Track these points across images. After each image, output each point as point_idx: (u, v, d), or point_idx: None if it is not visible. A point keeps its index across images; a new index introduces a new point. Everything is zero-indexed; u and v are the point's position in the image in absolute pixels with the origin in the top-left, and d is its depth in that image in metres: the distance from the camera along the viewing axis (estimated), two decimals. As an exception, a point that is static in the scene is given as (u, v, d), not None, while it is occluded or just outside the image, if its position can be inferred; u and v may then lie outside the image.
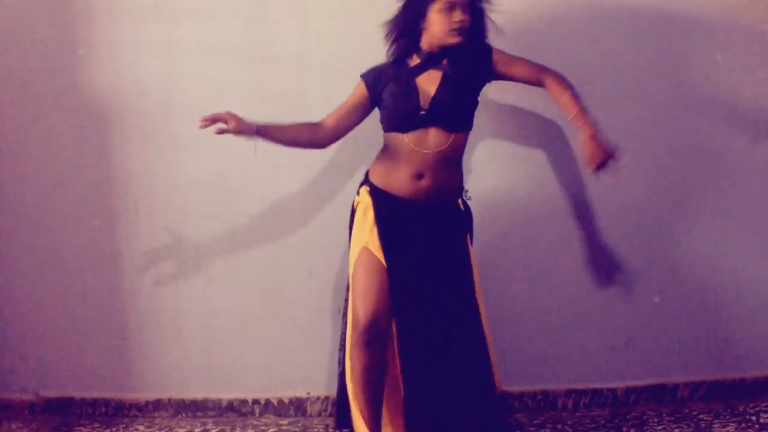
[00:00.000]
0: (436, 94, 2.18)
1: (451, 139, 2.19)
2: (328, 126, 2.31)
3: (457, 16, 2.14)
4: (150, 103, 2.61)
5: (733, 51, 2.63)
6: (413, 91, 2.19)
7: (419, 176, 2.19)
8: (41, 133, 2.63)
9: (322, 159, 2.62)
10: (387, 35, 2.24)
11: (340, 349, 2.36)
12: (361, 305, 2.16)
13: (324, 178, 2.65)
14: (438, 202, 2.24)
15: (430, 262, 2.20)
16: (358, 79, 2.30)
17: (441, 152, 2.19)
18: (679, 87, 2.65)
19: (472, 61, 2.21)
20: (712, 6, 2.60)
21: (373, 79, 2.26)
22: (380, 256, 2.18)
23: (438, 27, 2.16)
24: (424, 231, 2.21)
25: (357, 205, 2.30)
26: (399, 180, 2.20)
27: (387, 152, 2.24)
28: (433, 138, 2.18)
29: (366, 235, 2.21)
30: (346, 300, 2.32)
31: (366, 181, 2.30)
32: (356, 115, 2.32)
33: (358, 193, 2.31)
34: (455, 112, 2.20)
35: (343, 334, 2.34)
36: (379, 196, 2.23)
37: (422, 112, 2.18)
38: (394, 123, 2.20)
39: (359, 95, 2.29)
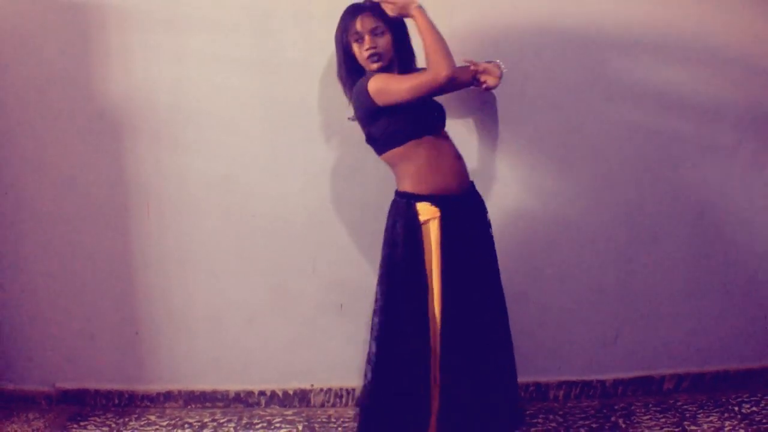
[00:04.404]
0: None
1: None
2: None
3: (366, 44, 2.17)
4: (161, 109, 2.64)
5: (719, 58, 2.69)
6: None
7: (457, 162, 2.24)
8: (57, 137, 2.67)
9: (324, 161, 2.68)
10: (340, 79, 2.29)
11: (373, 340, 2.25)
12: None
13: (326, 180, 2.70)
14: (473, 188, 2.32)
15: (481, 258, 2.26)
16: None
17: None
18: (667, 92, 2.69)
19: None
20: (697, 16, 2.64)
21: None
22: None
23: (359, 58, 2.21)
24: (477, 224, 2.27)
25: (428, 222, 2.18)
26: (448, 173, 2.20)
27: (422, 157, 2.19)
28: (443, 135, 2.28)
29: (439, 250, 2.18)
30: (384, 296, 2.23)
31: (414, 197, 2.18)
32: None
33: (416, 213, 2.17)
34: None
35: (372, 327, 2.26)
36: (443, 206, 2.17)
37: (436, 113, 2.25)
38: (423, 127, 2.19)
39: None
